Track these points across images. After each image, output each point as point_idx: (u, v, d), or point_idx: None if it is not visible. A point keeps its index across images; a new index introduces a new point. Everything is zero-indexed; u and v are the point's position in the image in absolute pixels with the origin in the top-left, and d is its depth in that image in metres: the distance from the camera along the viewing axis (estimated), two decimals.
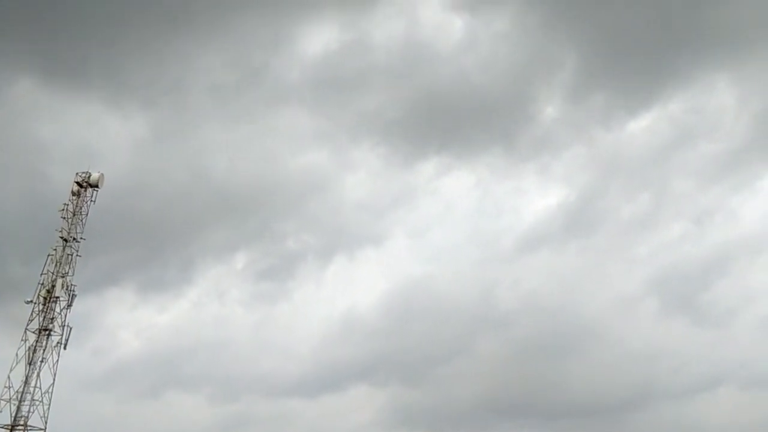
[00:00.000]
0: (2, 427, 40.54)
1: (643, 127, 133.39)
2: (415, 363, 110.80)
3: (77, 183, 45.06)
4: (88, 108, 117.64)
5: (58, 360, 42.76)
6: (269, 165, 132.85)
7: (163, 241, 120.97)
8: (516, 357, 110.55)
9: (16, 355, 41.79)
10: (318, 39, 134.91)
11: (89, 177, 45.35)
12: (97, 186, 45.43)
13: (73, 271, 43.93)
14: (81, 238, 44.58)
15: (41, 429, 41.42)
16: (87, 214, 45.07)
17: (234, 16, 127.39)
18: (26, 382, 41.44)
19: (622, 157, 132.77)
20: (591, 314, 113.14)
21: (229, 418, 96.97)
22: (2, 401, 40.72)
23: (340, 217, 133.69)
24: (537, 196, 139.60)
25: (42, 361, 42.20)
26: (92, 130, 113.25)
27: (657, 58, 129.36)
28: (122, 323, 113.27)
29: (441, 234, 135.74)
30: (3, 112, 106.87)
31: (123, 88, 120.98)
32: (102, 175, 45.66)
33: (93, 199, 45.42)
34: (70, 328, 43.30)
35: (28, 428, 41.10)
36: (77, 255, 44.29)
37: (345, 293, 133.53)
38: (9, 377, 41.21)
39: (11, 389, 41.08)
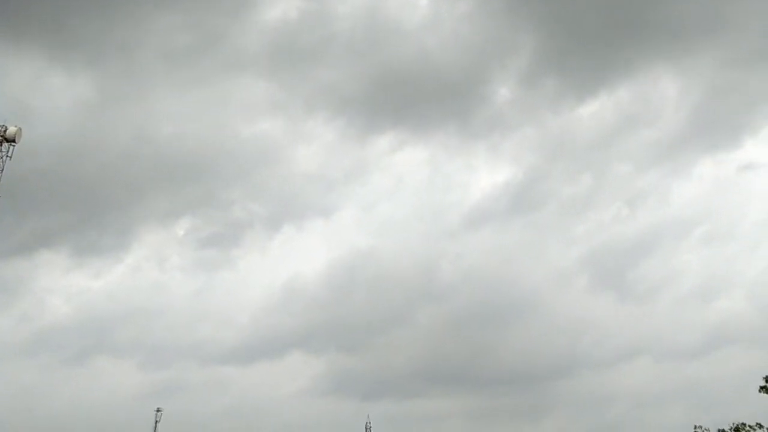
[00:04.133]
0: None
1: (590, 112, 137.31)
2: (353, 332, 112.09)
3: None
4: (28, 63, 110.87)
5: None
6: (219, 132, 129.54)
7: (102, 204, 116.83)
8: (453, 327, 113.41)
9: None
10: (279, 7, 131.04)
11: (5, 131, 42.44)
12: (14, 141, 42.54)
13: None
14: None
15: None
16: (2, 170, 42.28)
17: None
18: None
19: (567, 139, 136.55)
20: (527, 288, 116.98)
21: (159, 384, 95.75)
22: None
23: (290, 188, 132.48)
24: (486, 173, 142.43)
25: None
26: (33, 87, 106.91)
27: (607, 49, 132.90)
28: (53, 288, 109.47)
29: (390, 207, 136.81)
30: None
31: (68, 45, 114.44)
32: (20, 129, 42.78)
33: (9, 154, 42.52)
34: None
35: None
36: None
37: (290, 263, 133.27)
38: None
39: None
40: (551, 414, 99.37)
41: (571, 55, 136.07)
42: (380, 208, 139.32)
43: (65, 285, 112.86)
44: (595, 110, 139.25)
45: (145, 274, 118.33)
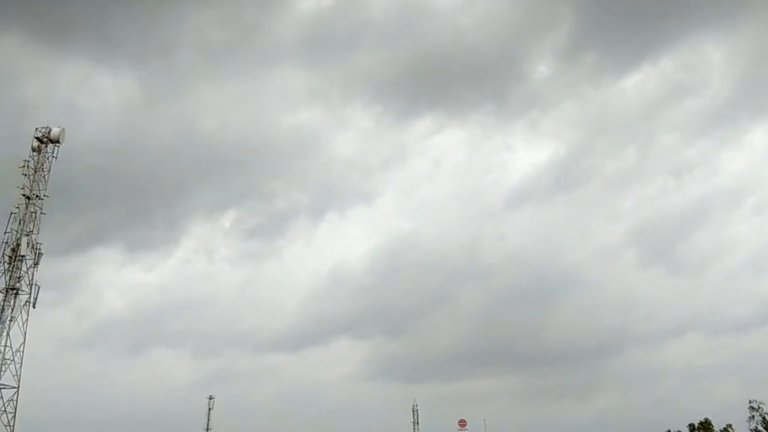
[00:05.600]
0: None
1: (633, 84, 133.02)
2: (397, 315, 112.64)
3: (37, 139, 43.68)
4: (75, 65, 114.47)
5: (27, 319, 42.19)
6: (259, 124, 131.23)
7: (151, 200, 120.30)
8: (496, 308, 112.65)
9: None
10: None
11: (50, 132, 43.97)
12: (58, 141, 44.07)
13: (38, 229, 43.03)
14: (44, 195, 43.52)
15: (14, 387, 41.15)
16: (49, 171, 43.89)
17: None
18: None
19: (610, 113, 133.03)
20: (571, 266, 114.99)
21: (211, 372, 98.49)
22: None
23: (331, 176, 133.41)
24: (525, 152, 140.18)
25: (11, 321, 41.56)
26: (80, 88, 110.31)
27: (647, 19, 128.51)
28: (109, 282, 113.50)
29: (430, 190, 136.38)
30: None
31: (112, 46, 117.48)
32: (63, 130, 44.27)
33: (54, 155, 44.16)
34: (38, 287, 42.63)
35: (1, 387, 40.78)
36: (41, 213, 43.31)
37: (334, 250, 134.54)
38: None
39: None
40: (600, 391, 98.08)
41: (610, 27, 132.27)
42: (420, 191, 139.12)
43: (119, 279, 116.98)
44: (638, 81, 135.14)
45: (195, 267, 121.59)
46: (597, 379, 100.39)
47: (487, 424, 66.05)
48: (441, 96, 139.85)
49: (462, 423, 64.20)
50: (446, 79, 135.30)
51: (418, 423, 66.89)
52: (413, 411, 67.73)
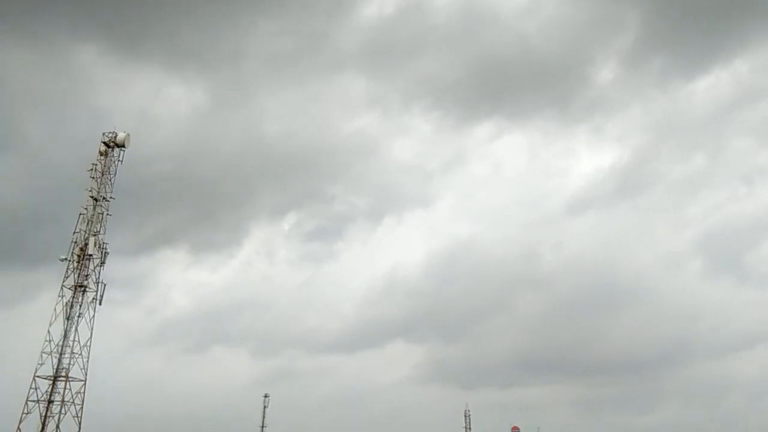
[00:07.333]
0: (45, 378, 42.48)
1: (704, 87, 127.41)
2: (453, 320, 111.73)
3: (104, 143, 45.83)
4: (149, 75, 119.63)
5: (94, 315, 44.30)
6: (321, 130, 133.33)
7: (216, 203, 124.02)
8: (554, 315, 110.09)
9: (54, 310, 43.46)
10: (375, 3, 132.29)
11: (116, 137, 46.07)
12: (123, 146, 46.14)
13: (104, 229, 45.17)
14: (111, 197, 45.61)
15: (82, 380, 43.21)
16: (115, 174, 45.99)
17: None
18: (65, 336, 43.08)
19: (678, 117, 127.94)
20: (634, 274, 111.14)
21: (270, 371, 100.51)
22: (44, 354, 42.60)
23: (389, 180, 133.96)
24: (588, 157, 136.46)
25: (79, 316, 43.70)
26: (153, 97, 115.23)
27: (719, 20, 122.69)
28: (175, 282, 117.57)
29: (489, 195, 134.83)
30: (66, 81, 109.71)
31: (183, 56, 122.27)
32: (128, 135, 46.30)
33: (120, 158, 46.24)
34: (104, 285, 44.72)
35: (70, 379, 42.92)
36: (108, 214, 45.42)
37: (391, 253, 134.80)
38: (49, 331, 42.96)
39: (52, 343, 42.85)
40: (661, 404, 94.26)
41: (679, 29, 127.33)
42: (479, 196, 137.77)
43: (185, 280, 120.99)
44: (709, 84, 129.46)
45: (256, 268, 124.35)
46: (658, 391, 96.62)
47: None
48: (502, 100, 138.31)
49: (515, 430, 63.12)
50: (508, 84, 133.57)
51: (470, 428, 66.23)
52: (465, 416, 67.13)
